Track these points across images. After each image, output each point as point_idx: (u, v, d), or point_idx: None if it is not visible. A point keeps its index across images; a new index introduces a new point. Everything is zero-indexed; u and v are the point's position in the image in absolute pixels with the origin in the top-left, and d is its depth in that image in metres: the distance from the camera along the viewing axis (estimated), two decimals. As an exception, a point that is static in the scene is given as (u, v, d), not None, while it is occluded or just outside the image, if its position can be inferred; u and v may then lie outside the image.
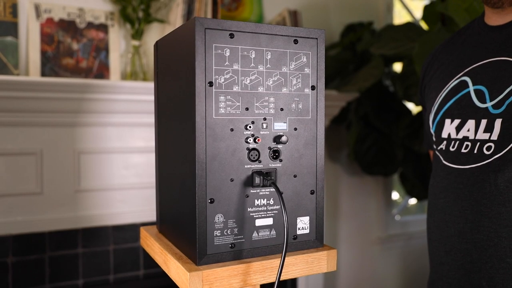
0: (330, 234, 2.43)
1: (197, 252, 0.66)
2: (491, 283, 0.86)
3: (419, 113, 2.09)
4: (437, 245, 0.98)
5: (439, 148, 0.98)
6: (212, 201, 0.67)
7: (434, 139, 1.00)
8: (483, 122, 0.87)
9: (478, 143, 0.87)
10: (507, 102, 0.84)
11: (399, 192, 2.85)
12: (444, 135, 0.96)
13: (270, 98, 0.70)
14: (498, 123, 0.84)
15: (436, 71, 1.03)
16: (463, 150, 0.90)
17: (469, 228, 0.89)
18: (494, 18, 0.92)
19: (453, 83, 0.96)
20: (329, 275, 2.43)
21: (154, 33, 1.91)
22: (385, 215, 2.60)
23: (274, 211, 0.71)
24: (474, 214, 0.88)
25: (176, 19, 1.78)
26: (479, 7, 1.31)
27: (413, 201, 2.84)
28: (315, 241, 0.76)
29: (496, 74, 0.87)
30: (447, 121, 0.95)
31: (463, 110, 0.92)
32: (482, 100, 0.88)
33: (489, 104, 0.86)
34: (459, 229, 0.91)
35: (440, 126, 0.98)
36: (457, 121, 0.93)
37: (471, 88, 0.91)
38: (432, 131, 1.00)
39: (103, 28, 1.81)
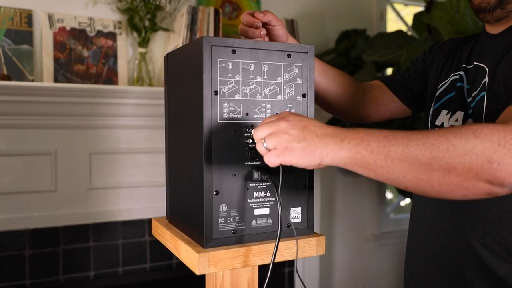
0: (326, 231, 2.47)
1: (204, 237, 0.73)
2: (467, 260, 0.93)
3: (410, 116, 2.16)
4: (423, 225, 1.04)
5: None
6: (217, 193, 0.74)
7: (429, 125, 1.04)
8: (469, 117, 0.93)
9: None
10: (472, 105, 0.92)
11: (393, 192, 2.90)
12: (438, 123, 1.01)
13: (267, 104, 0.77)
14: (471, 121, 0.92)
15: (448, 59, 1.06)
16: None
17: (450, 210, 0.96)
18: (487, 26, 0.97)
19: (454, 76, 1.01)
20: (324, 270, 2.48)
21: (159, 41, 1.98)
22: (378, 213, 2.64)
23: (271, 202, 0.78)
24: None
25: (180, 28, 1.85)
26: (460, 19, 1.40)
27: (407, 200, 2.89)
28: (306, 228, 0.82)
29: (474, 79, 0.93)
30: (444, 111, 1.00)
31: (456, 103, 0.97)
32: (468, 97, 0.94)
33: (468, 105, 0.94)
34: (440, 210, 0.98)
35: (436, 114, 1.02)
36: (450, 113, 0.98)
37: (465, 84, 0.96)
38: (429, 118, 1.05)
39: (112, 36, 1.89)
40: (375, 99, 1.16)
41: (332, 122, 2.22)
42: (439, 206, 0.99)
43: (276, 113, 0.75)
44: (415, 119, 2.09)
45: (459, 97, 0.97)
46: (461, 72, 0.99)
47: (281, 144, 0.63)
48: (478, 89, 0.91)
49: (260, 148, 0.65)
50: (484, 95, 0.88)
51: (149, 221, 1.91)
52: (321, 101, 1.11)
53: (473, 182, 0.60)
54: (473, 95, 0.92)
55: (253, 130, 0.67)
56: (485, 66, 0.92)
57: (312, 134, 0.64)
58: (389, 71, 2.44)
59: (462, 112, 0.95)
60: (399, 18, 2.75)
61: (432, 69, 1.11)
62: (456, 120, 0.96)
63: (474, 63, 0.96)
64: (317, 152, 0.63)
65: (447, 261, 0.98)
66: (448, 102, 1.00)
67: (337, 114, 1.17)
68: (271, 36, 0.95)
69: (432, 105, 1.05)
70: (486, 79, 0.90)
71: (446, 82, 1.03)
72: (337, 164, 0.64)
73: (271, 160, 0.64)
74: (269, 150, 0.65)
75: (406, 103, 1.17)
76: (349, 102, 1.13)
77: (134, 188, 1.88)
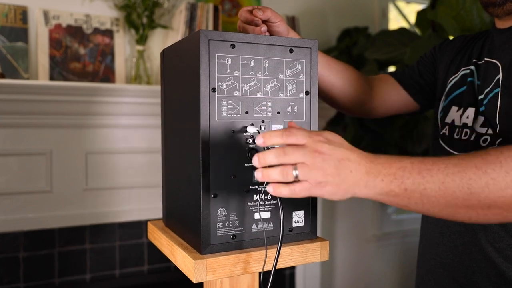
0: (327, 232, 2.47)
1: (202, 242, 0.71)
2: (480, 265, 0.90)
3: (417, 112, 2.14)
4: (433, 227, 1.01)
5: (441, 132, 1.00)
6: (215, 196, 0.71)
7: (439, 123, 1.02)
8: (481, 114, 0.90)
9: (474, 134, 0.90)
10: (484, 102, 0.89)
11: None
12: (448, 120, 0.98)
13: (268, 102, 0.75)
14: (482, 119, 0.88)
15: (457, 55, 1.04)
16: (463, 137, 0.93)
17: None
18: (497, 22, 0.95)
19: (464, 71, 0.98)
20: (326, 272, 2.47)
21: (157, 39, 1.97)
22: (380, 214, 2.64)
23: (272, 205, 0.76)
24: None
25: (179, 25, 1.84)
26: (466, 15, 1.38)
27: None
28: (309, 233, 0.80)
29: (486, 75, 0.91)
30: (454, 108, 0.98)
31: (468, 99, 0.95)
32: (478, 94, 0.92)
33: (479, 101, 0.91)
34: None
35: (446, 111, 1.00)
36: (461, 109, 0.95)
37: (476, 80, 0.94)
38: (439, 116, 1.03)
39: (109, 33, 1.88)
40: (381, 93, 1.13)
41: (335, 118, 2.20)
42: None
43: (313, 131, 0.65)
44: (418, 119, 2.06)
45: (470, 92, 0.95)
46: (472, 67, 0.97)
47: (315, 179, 0.61)
48: (491, 86, 0.89)
49: (287, 173, 0.61)
50: (498, 92, 0.86)
51: (146, 222, 1.88)
52: (325, 95, 1.08)
53: None
54: (485, 92, 0.90)
55: (281, 150, 0.61)
56: (497, 62, 0.89)
57: (346, 170, 0.62)
58: (391, 69, 2.42)
59: (474, 109, 0.92)
60: (400, 16, 2.74)
61: (441, 64, 1.09)
62: (467, 117, 0.93)
63: (485, 59, 0.94)
64: (350, 189, 0.63)
65: (458, 266, 0.95)
66: (458, 98, 0.98)
67: (341, 109, 1.14)
68: (271, 33, 0.92)
69: (442, 101, 1.03)
70: (500, 75, 0.87)
71: (456, 76, 1.01)
72: (368, 198, 0.65)
73: (302, 193, 0.62)
74: (298, 180, 0.62)
75: (414, 97, 1.14)
76: (354, 96, 1.09)
77: (132, 188, 1.87)
